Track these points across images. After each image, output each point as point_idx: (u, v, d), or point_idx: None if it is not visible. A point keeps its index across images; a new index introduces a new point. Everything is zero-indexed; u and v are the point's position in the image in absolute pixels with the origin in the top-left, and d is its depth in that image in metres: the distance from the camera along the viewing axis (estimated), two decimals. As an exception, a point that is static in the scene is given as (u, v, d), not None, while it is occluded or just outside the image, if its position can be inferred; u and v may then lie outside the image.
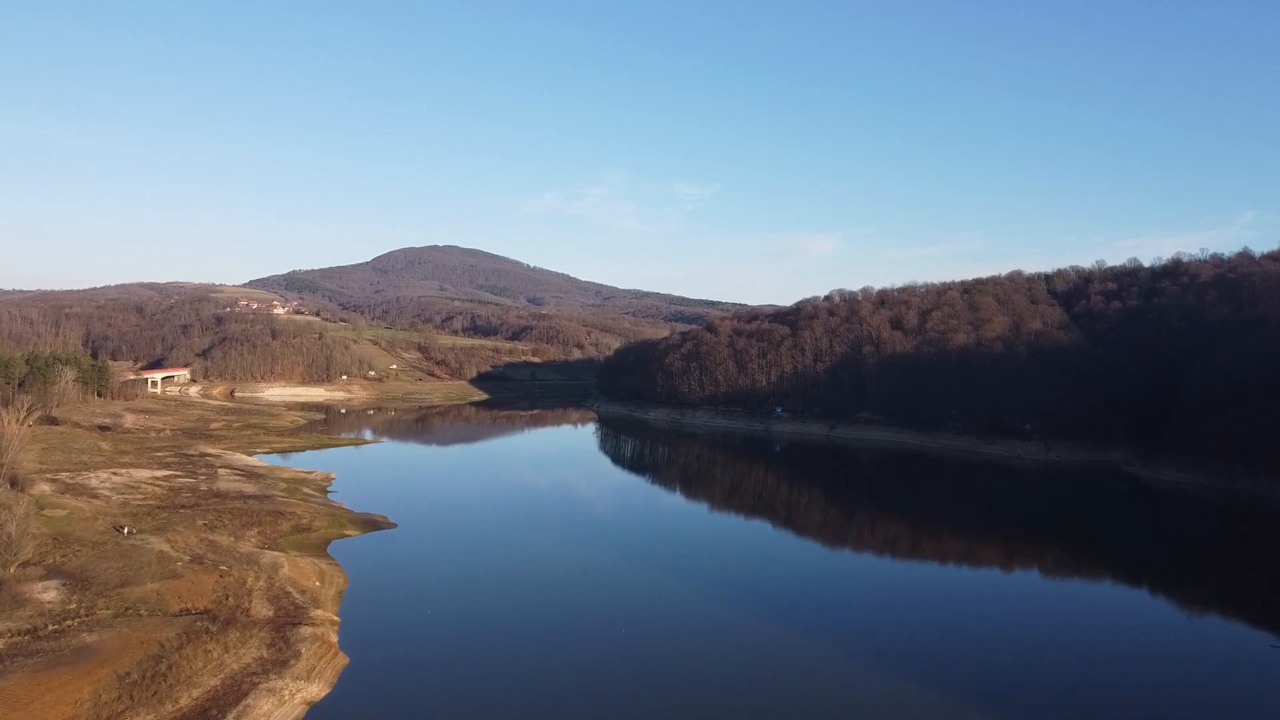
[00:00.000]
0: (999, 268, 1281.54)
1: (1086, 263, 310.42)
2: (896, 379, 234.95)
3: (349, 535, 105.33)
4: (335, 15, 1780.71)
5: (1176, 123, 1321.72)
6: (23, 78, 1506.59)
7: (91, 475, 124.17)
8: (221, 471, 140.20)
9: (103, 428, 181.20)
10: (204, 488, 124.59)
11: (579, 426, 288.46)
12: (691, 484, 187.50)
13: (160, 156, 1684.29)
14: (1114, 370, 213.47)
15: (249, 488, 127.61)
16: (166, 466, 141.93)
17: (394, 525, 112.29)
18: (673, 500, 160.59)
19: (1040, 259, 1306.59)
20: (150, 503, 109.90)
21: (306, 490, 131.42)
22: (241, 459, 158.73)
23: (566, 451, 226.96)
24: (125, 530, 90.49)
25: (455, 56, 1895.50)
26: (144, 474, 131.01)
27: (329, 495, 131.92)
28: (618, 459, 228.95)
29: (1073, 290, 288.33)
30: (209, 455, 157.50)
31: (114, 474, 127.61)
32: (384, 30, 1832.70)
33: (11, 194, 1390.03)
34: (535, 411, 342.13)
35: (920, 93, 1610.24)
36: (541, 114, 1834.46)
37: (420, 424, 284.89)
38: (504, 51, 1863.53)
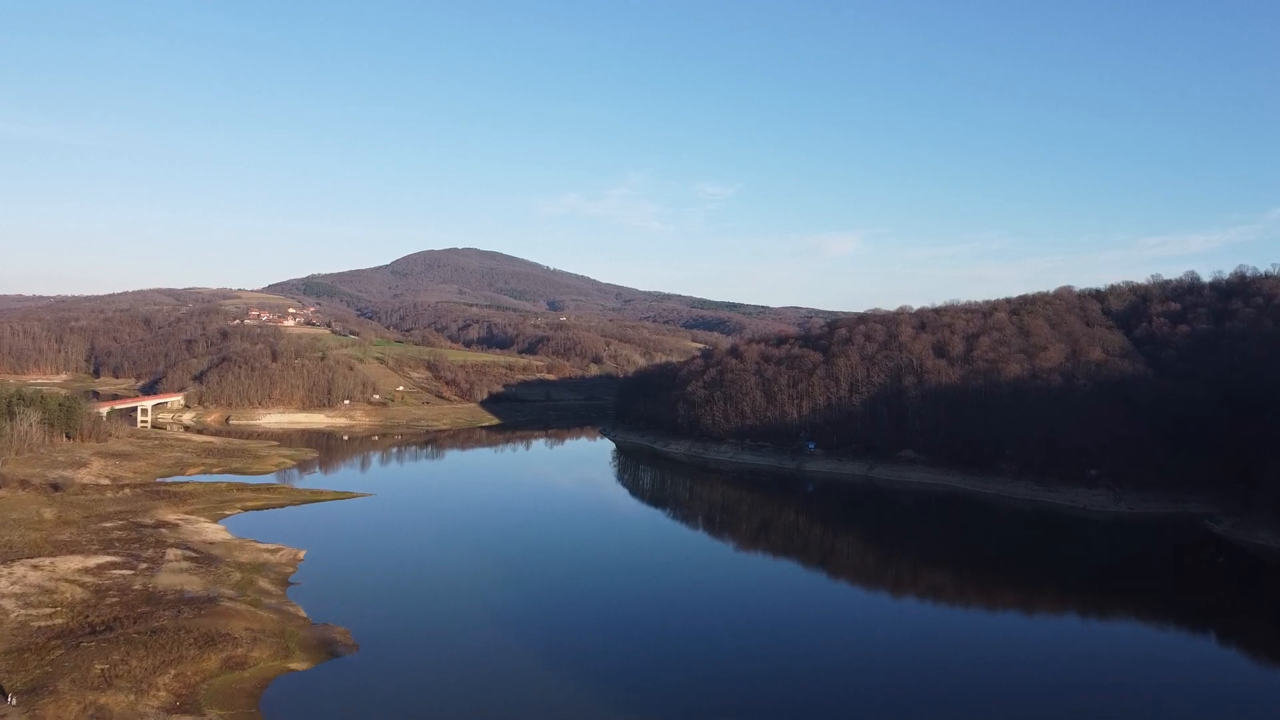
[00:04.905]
0: (1022, 268, 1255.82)
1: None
2: (942, 414, 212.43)
3: (294, 669, 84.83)
4: (355, 20, 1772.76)
5: (1197, 121, 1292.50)
6: (41, 82, 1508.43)
7: (4, 572, 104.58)
8: (170, 554, 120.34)
9: (54, 486, 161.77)
10: (138, 586, 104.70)
11: (595, 461, 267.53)
12: (732, 533, 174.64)
13: (181, 162, 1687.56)
14: (1189, 406, 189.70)
15: (194, 583, 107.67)
16: (108, 548, 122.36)
17: (354, 648, 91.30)
18: (720, 581, 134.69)
19: (1061, 257, 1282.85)
20: (57, 621, 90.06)
21: (263, 584, 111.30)
22: (203, 529, 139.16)
23: (581, 498, 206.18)
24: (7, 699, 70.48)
25: (476, 60, 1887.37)
26: (73, 564, 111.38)
27: (289, 589, 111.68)
28: (637, 493, 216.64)
29: (1130, 310, 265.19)
30: (165, 526, 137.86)
31: (34, 567, 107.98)
32: (405, 34, 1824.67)
33: (28, 198, 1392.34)
34: (550, 433, 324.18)
35: (939, 94, 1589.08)
36: (563, 116, 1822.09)
37: (422, 456, 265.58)
38: (525, 56, 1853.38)
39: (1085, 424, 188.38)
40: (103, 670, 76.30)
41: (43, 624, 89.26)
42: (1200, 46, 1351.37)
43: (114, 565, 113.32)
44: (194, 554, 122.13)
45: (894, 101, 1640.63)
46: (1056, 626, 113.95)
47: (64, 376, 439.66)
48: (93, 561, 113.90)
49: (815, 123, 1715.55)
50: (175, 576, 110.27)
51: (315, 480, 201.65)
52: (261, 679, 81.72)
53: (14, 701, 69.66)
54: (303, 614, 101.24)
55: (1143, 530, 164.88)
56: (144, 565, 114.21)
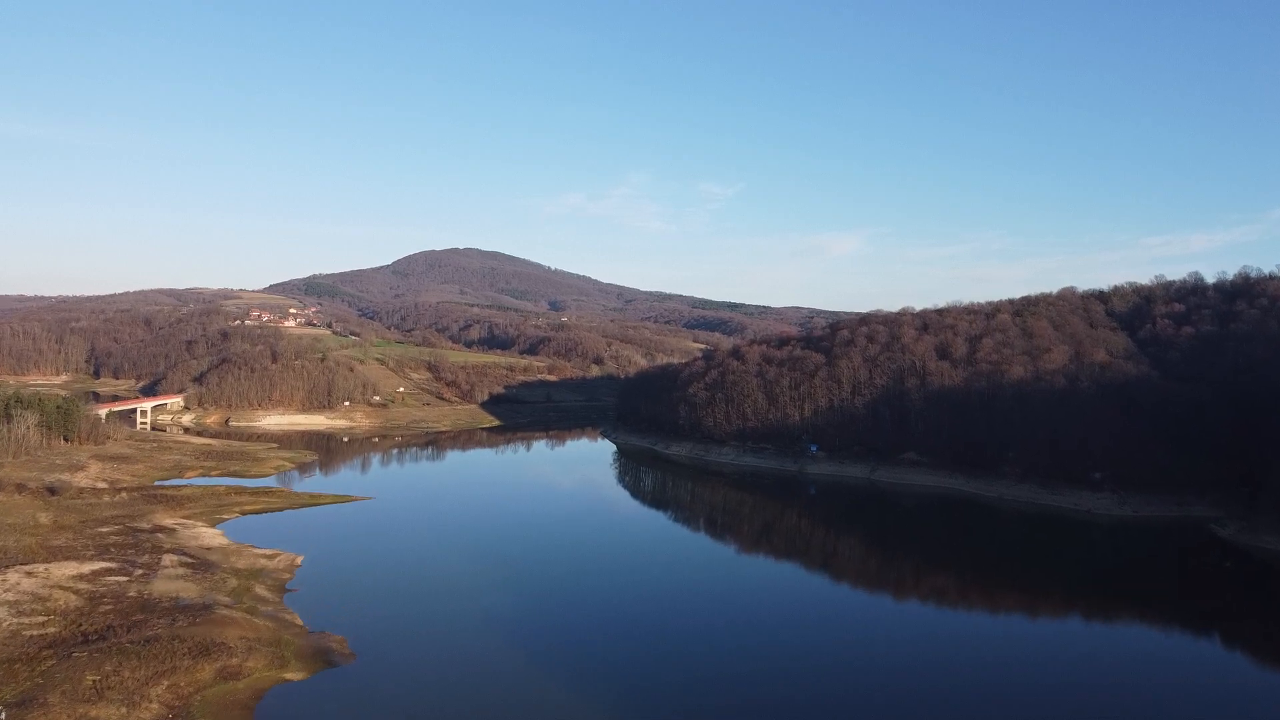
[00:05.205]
0: (1024, 268, 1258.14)
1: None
2: (945, 416, 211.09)
3: (290, 679, 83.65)
4: (355, 20, 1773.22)
5: (1197, 121, 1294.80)
6: (41, 82, 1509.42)
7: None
8: (166, 560, 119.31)
9: (51, 490, 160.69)
10: (133, 593, 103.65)
11: (595, 463, 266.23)
12: (733, 535, 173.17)
13: (181, 162, 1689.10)
14: (1194, 409, 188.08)
15: (189, 590, 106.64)
16: (104, 553, 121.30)
17: (351, 657, 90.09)
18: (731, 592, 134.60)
19: (1063, 257, 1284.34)
20: (50, 630, 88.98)
21: (260, 590, 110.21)
22: (200, 533, 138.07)
23: (582, 500, 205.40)
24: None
25: (476, 60, 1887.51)
26: (68, 570, 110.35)
27: (286, 595, 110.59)
28: (638, 495, 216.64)
29: (1134, 311, 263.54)
30: (161, 531, 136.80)
31: (28, 574, 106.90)
32: (405, 34, 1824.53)
33: (28, 198, 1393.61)
34: (550, 434, 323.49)
35: (939, 94, 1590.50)
36: (563, 116, 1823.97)
37: (422, 457, 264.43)
38: (525, 55, 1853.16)
39: (1089, 426, 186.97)
40: (94, 681, 75.20)
41: (35, 633, 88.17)
42: (1200, 46, 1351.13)
43: (109, 572, 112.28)
44: (190, 560, 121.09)
45: (894, 101, 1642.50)
46: (1059, 628, 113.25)
47: (64, 377, 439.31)
48: (88, 568, 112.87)
49: (815, 123, 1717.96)
50: (171, 583, 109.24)
51: (314, 483, 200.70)
52: (256, 690, 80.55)
53: (3, 715, 68.56)
54: (299, 622, 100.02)
55: (1147, 534, 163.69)
56: (139, 572, 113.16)
